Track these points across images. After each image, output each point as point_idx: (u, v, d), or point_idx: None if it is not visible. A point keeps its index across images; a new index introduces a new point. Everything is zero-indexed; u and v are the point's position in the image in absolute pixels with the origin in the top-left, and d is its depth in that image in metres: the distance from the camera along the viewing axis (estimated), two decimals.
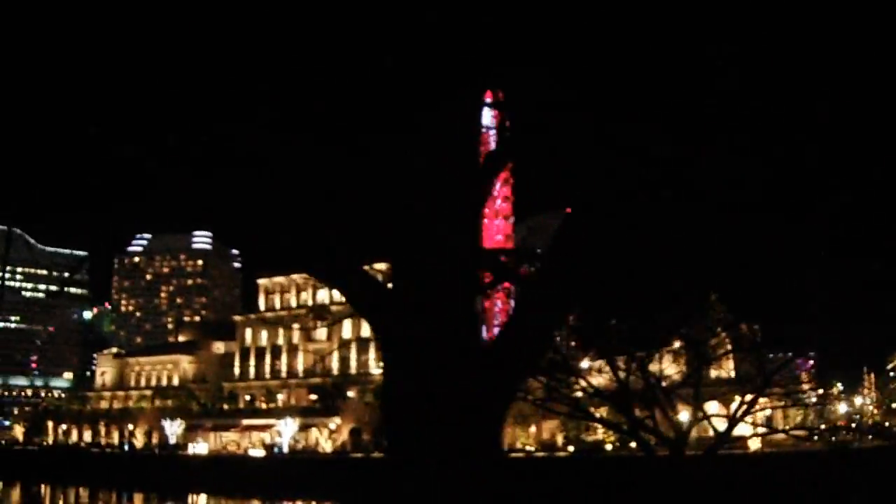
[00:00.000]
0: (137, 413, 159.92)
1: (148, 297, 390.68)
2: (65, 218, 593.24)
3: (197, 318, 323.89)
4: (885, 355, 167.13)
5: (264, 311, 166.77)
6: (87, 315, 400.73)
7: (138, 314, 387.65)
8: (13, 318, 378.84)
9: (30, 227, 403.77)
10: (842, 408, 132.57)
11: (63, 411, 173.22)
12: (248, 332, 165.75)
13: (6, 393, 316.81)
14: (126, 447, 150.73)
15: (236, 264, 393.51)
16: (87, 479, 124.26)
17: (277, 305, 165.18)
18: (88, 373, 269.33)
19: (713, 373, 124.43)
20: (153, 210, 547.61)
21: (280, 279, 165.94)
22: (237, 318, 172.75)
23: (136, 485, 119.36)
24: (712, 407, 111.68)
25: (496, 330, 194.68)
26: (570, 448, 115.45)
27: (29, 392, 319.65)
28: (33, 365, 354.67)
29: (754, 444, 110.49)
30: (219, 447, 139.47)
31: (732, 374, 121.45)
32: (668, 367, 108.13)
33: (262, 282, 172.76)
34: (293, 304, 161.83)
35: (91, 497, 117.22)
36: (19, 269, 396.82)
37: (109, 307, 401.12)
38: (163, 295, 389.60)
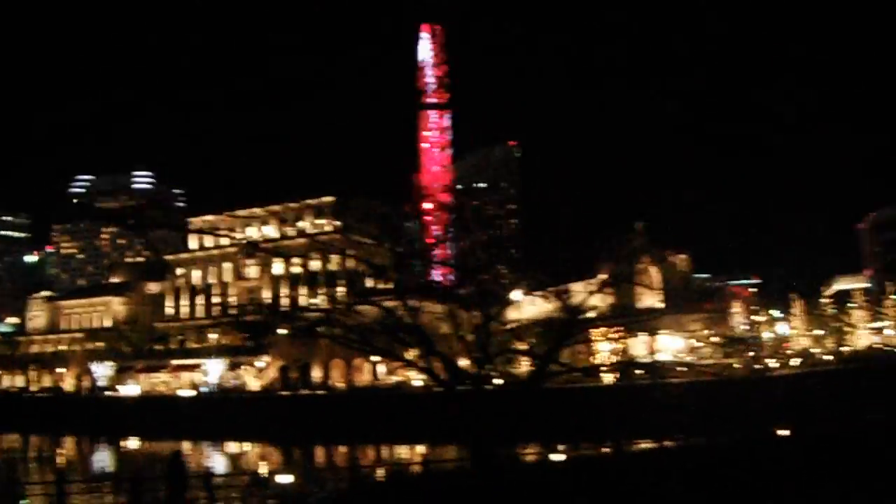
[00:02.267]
0: (68, 357, 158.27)
1: (89, 240, 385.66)
2: (6, 159, 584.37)
3: (140, 260, 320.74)
4: (821, 284, 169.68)
5: (196, 249, 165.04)
6: (30, 259, 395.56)
7: (80, 256, 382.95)
8: None
9: None
10: (771, 334, 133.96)
11: None
12: (180, 272, 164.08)
13: None
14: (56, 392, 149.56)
15: (180, 204, 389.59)
16: (17, 425, 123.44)
17: (209, 244, 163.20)
18: None
19: (640, 301, 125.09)
20: (94, 149, 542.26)
21: (210, 217, 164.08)
22: (168, 257, 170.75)
23: (67, 429, 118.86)
24: (639, 338, 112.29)
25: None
26: None
27: None
28: None
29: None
30: (149, 388, 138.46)
31: (660, 304, 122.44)
32: (594, 297, 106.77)
33: (193, 220, 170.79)
34: (224, 242, 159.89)
35: (23, 442, 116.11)
36: None
37: (52, 250, 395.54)
38: (104, 237, 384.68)
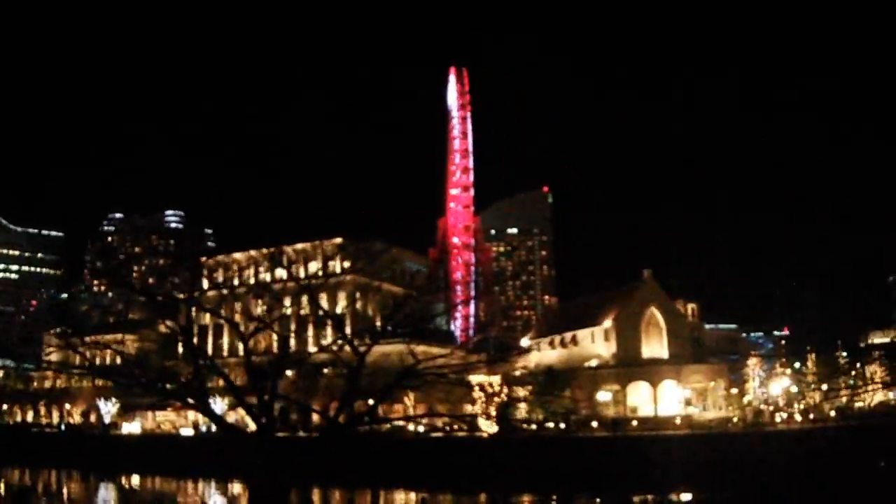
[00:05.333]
0: (77, 392, 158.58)
1: (120, 278, 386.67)
2: (38, 198, 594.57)
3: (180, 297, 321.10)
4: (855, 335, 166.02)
5: (207, 289, 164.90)
6: (62, 296, 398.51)
7: (111, 294, 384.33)
8: None
9: (2, 208, 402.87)
10: (777, 388, 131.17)
11: (7, 391, 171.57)
12: (192, 312, 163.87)
13: None
14: (63, 427, 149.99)
15: (210, 244, 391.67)
16: (25, 460, 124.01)
17: (221, 283, 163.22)
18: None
19: (645, 350, 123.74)
20: (127, 188, 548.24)
21: (222, 258, 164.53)
22: (180, 296, 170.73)
23: (73, 464, 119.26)
24: (641, 387, 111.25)
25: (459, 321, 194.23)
26: None
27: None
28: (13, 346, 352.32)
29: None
30: (154, 426, 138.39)
31: (665, 353, 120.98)
32: (599, 345, 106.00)
33: (205, 260, 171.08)
34: (235, 282, 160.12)
35: (32, 477, 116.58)
36: None
37: (83, 288, 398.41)
38: (135, 275, 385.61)
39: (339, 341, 35.22)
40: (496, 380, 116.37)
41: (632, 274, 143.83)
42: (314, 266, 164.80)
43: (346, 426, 30.30)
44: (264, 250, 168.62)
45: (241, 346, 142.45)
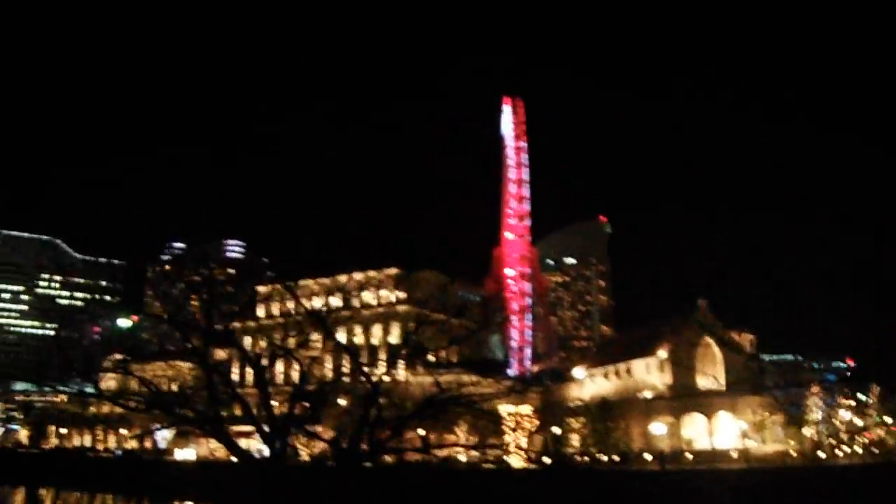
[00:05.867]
0: (132, 418, 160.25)
1: (180, 306, 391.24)
2: (101, 227, 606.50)
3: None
4: None
5: (263, 317, 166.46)
6: (124, 323, 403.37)
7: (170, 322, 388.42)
8: (49, 326, 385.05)
9: (66, 236, 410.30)
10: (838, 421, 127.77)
11: (65, 416, 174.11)
12: (247, 339, 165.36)
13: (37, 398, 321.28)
14: (118, 452, 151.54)
15: (269, 273, 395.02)
16: (82, 483, 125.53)
17: (276, 312, 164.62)
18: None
19: (700, 381, 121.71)
20: (186, 218, 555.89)
21: (277, 286, 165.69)
22: (235, 324, 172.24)
23: (128, 489, 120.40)
24: (696, 419, 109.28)
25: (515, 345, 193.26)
26: None
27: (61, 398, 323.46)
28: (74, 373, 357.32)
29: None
30: (207, 453, 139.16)
31: (721, 384, 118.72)
32: (654, 376, 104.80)
33: (260, 289, 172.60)
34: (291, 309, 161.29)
35: (89, 501, 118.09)
36: (56, 277, 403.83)
37: (143, 316, 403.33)
38: (194, 303, 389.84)
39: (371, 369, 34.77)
40: (526, 409, 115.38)
41: (689, 303, 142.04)
42: (368, 296, 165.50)
43: (360, 455, 29.84)
44: (321, 280, 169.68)
45: (294, 373, 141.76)
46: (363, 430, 29.96)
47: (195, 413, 31.02)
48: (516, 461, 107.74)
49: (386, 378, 36.06)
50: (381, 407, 31.76)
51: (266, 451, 35.33)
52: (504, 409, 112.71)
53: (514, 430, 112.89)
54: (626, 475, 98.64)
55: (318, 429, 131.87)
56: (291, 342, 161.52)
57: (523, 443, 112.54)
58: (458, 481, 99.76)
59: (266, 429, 28.45)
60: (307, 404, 44.32)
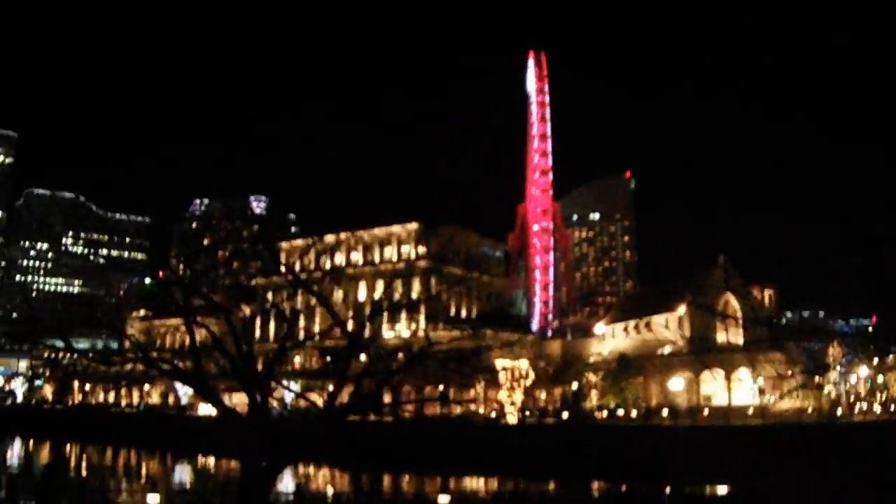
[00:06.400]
0: (155, 375, 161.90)
1: (204, 262, 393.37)
2: (126, 185, 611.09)
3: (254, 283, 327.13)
4: None
5: (285, 273, 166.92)
6: (148, 280, 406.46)
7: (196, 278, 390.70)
8: (76, 283, 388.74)
9: (92, 194, 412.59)
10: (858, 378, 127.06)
11: (89, 372, 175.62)
12: (269, 295, 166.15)
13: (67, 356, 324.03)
14: (141, 408, 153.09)
15: (294, 229, 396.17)
16: (106, 438, 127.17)
17: (297, 268, 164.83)
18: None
19: (719, 337, 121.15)
20: (211, 175, 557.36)
21: (299, 242, 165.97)
22: (258, 281, 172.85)
23: (152, 444, 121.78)
24: (715, 375, 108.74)
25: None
26: None
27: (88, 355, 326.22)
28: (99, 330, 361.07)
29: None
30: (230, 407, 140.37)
31: (741, 340, 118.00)
32: (673, 332, 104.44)
33: (282, 245, 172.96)
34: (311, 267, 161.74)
35: (113, 456, 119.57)
36: (82, 235, 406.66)
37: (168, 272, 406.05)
38: (219, 260, 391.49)
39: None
40: (523, 364, 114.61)
41: (712, 259, 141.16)
42: (390, 251, 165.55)
43: (345, 408, 29.76)
44: (342, 235, 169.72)
45: (316, 329, 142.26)
46: (342, 384, 29.80)
47: (173, 367, 30.92)
48: (512, 417, 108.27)
49: (390, 334, 35.83)
50: (372, 361, 31.53)
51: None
52: (500, 363, 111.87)
53: (510, 386, 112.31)
54: (638, 430, 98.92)
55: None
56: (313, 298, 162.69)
57: (518, 398, 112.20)
58: (454, 436, 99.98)
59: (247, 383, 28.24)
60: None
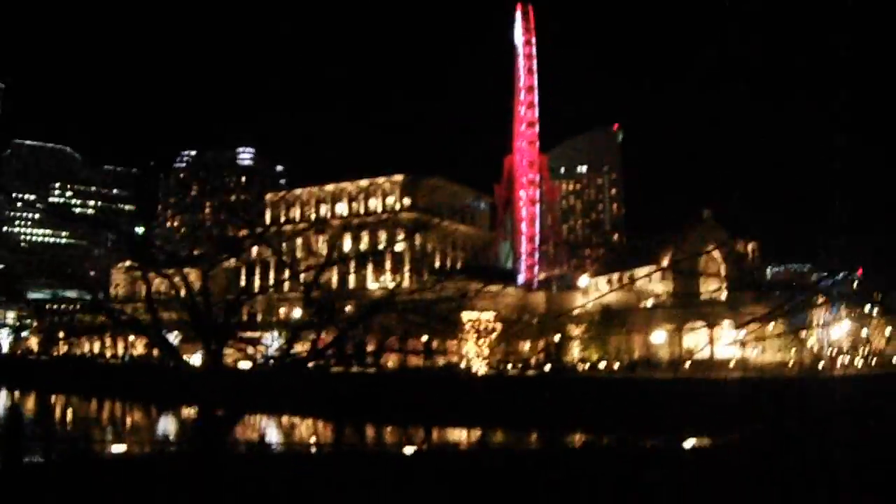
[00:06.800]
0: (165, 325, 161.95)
1: (193, 213, 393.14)
2: (113, 136, 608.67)
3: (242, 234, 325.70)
4: None
5: (270, 225, 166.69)
6: (138, 231, 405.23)
7: (183, 230, 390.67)
8: (63, 234, 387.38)
9: (79, 145, 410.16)
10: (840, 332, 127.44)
11: (76, 323, 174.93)
12: (255, 247, 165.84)
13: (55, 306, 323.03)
14: (126, 358, 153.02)
15: (282, 181, 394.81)
16: (91, 390, 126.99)
17: (282, 220, 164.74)
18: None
19: (704, 288, 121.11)
20: (199, 126, 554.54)
21: (284, 194, 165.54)
22: (242, 232, 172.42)
23: (136, 395, 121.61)
24: (698, 328, 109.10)
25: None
26: None
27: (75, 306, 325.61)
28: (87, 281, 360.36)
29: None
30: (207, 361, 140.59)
31: (724, 294, 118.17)
32: (656, 285, 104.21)
33: (268, 197, 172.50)
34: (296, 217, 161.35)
35: (98, 407, 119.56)
36: (69, 186, 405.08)
37: (156, 224, 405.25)
38: (207, 211, 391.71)
39: None
40: (488, 316, 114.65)
41: (698, 213, 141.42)
42: (374, 202, 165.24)
43: (302, 359, 29.72)
44: (328, 187, 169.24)
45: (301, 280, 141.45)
46: (298, 334, 29.72)
47: (130, 317, 30.78)
48: (481, 368, 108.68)
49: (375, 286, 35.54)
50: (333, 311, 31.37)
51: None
52: (466, 315, 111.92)
53: (477, 337, 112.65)
54: (619, 382, 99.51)
55: (322, 334, 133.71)
56: (298, 250, 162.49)
57: (485, 350, 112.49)
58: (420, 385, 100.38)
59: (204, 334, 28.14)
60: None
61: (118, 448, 38.44)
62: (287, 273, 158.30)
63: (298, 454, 44.30)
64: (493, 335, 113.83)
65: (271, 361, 35.03)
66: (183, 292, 28.14)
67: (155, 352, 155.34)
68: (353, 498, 27.45)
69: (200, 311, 28.42)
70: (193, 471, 26.30)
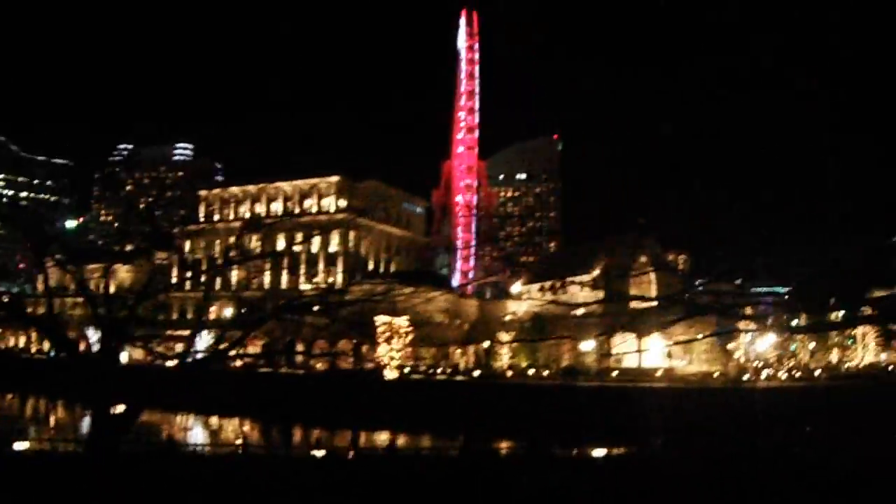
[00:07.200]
0: (68, 320, 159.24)
1: (126, 208, 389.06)
2: (49, 128, 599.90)
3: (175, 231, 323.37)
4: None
5: (203, 222, 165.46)
6: (70, 224, 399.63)
7: (117, 224, 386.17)
8: None
9: (13, 135, 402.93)
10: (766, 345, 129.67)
11: (2, 316, 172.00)
12: (187, 244, 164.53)
13: None
14: (51, 354, 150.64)
15: (219, 178, 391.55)
16: (13, 386, 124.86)
17: (216, 218, 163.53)
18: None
19: (633, 302, 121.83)
20: (136, 120, 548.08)
21: (218, 191, 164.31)
22: (176, 229, 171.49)
23: (61, 392, 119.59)
24: (627, 338, 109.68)
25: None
26: None
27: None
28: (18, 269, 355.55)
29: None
30: (142, 357, 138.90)
31: (654, 303, 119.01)
32: (588, 294, 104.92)
33: (202, 193, 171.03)
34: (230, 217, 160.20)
35: (21, 404, 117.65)
36: (2, 176, 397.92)
37: (89, 217, 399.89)
38: (142, 206, 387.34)
39: None
40: (403, 321, 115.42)
41: (632, 223, 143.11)
42: (310, 203, 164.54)
43: (207, 358, 29.92)
44: (264, 186, 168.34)
45: (234, 279, 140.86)
46: (197, 333, 29.86)
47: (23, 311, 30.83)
48: (391, 373, 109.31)
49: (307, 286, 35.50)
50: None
51: None
52: (379, 319, 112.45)
53: (388, 340, 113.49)
54: (545, 389, 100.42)
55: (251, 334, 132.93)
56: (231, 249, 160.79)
57: (396, 355, 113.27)
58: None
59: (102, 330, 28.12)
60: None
61: (20, 445, 37.91)
62: (204, 271, 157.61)
63: (200, 455, 44.01)
64: (407, 339, 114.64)
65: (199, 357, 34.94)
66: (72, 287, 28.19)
67: (81, 347, 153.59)
68: (243, 499, 27.42)
69: (97, 306, 28.42)
70: (82, 468, 26.19)
